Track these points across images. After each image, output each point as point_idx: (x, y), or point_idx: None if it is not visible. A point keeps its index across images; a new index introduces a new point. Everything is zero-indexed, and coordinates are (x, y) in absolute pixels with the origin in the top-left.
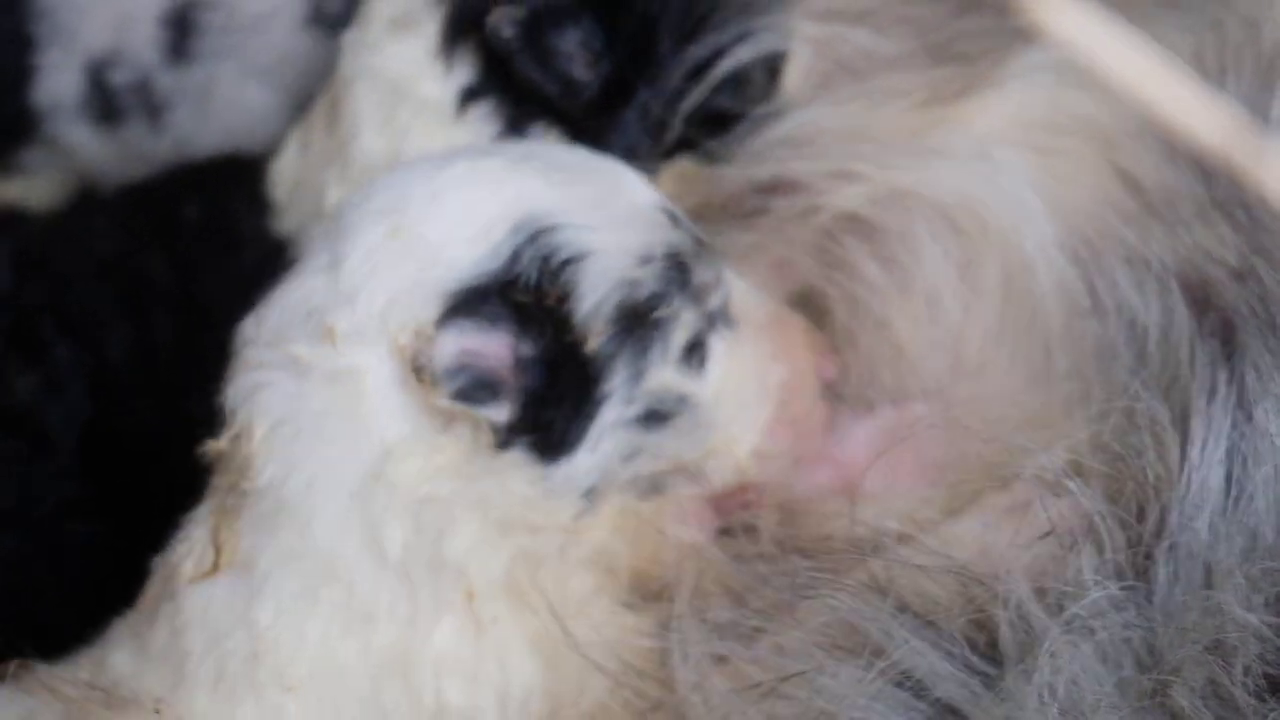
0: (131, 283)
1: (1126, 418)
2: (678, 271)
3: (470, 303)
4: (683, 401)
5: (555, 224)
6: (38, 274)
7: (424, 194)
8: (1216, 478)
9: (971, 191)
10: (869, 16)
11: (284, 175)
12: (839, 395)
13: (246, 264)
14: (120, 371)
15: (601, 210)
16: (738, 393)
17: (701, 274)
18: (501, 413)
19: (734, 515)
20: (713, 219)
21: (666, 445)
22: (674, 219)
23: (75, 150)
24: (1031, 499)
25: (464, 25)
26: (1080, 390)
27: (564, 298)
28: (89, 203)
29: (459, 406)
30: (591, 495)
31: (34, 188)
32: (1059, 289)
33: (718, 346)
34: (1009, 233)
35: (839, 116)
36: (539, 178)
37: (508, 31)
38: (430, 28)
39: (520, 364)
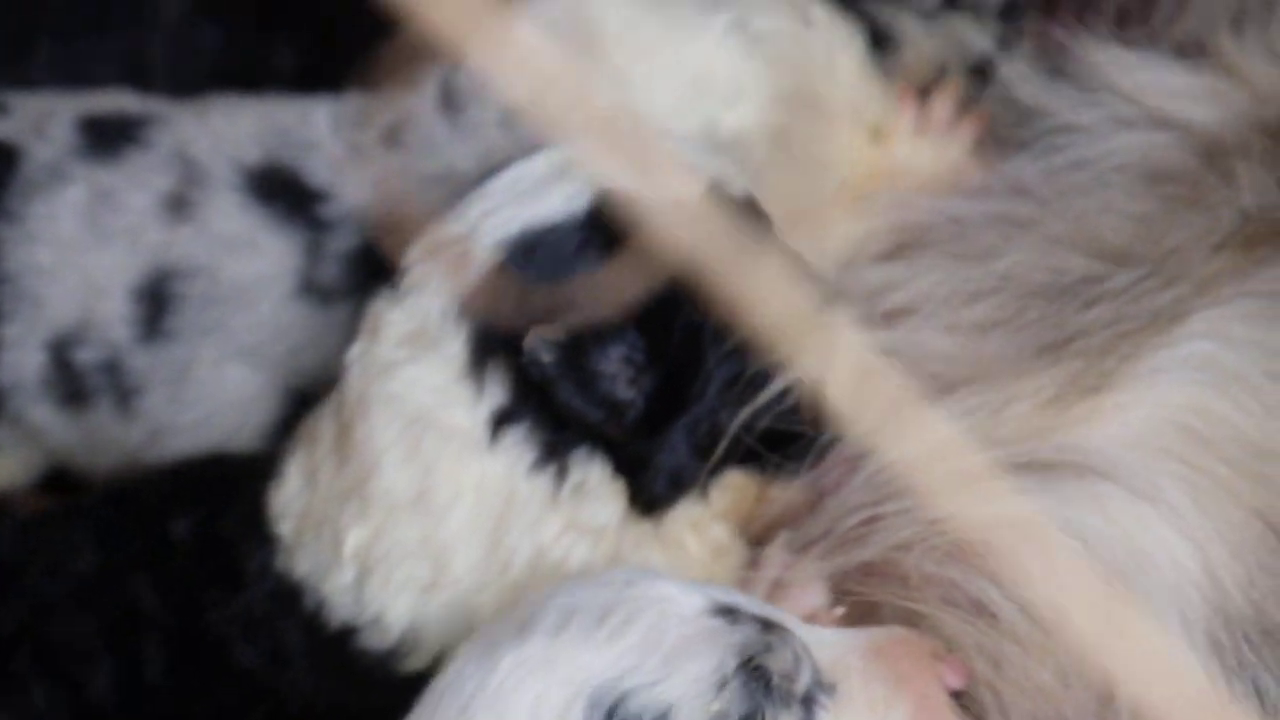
0: (116, 610)
1: None
2: (757, 679)
3: None
4: None
5: (624, 690)
6: (12, 592)
7: (482, 705)
8: None
9: (1124, 535)
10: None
11: (289, 509)
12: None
13: (255, 605)
14: (105, 713)
15: (659, 651)
16: None
17: (780, 663)
18: None
19: None
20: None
21: None
22: (730, 614)
23: (39, 432)
24: None
25: (492, 345)
26: None
27: None
28: (66, 507)
29: None
30: None
31: (3, 467)
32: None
33: None
34: (1160, 595)
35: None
36: (585, 644)
37: (547, 358)
38: (453, 347)
39: None
